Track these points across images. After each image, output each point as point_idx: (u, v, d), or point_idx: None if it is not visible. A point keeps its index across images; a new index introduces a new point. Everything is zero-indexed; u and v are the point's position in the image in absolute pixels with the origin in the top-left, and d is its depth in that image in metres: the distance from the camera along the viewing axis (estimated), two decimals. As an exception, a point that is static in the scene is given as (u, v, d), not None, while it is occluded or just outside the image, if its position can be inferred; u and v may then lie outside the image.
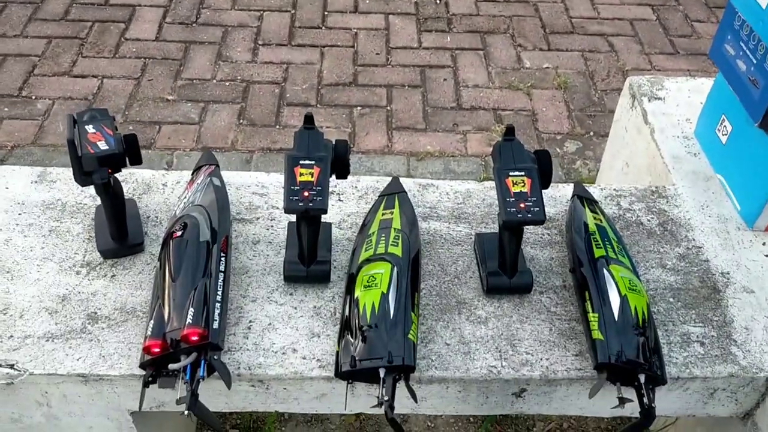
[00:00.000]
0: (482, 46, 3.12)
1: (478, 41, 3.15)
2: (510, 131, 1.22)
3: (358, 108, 2.76)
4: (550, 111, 2.80)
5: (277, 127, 2.66)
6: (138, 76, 2.82)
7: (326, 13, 3.27)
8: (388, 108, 2.77)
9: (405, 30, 3.19)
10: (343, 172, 1.22)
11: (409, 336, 1.10)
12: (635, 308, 1.13)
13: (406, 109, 2.77)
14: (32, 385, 1.14)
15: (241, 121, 2.67)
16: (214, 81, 2.84)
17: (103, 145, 1.17)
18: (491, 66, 3.01)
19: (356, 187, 1.47)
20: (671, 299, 1.29)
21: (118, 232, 1.27)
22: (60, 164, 2.41)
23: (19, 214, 1.36)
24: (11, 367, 1.13)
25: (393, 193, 1.38)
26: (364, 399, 1.19)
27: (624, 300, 1.14)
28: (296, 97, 2.79)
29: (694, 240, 1.40)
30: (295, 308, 1.23)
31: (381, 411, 1.05)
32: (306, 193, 1.13)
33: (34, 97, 2.70)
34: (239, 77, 2.86)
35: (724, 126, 1.50)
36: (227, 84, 2.83)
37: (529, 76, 2.97)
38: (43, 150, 2.49)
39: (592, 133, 2.72)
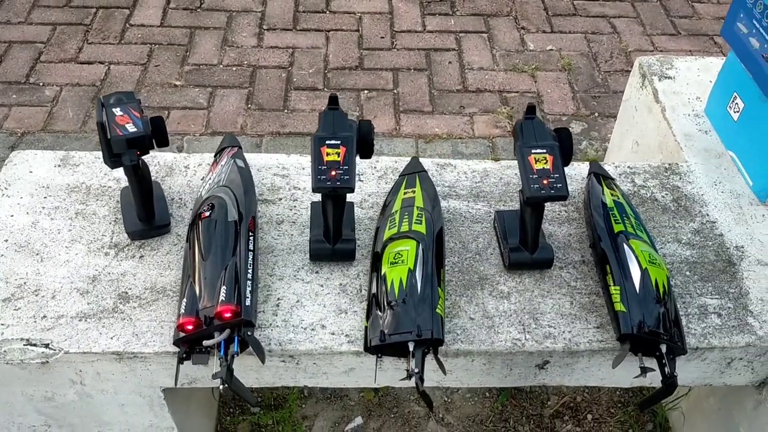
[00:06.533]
0: (486, 28, 3.14)
1: (481, 24, 3.16)
2: (531, 110, 1.24)
3: (365, 92, 2.78)
4: (555, 93, 2.82)
5: (285, 111, 2.67)
6: (144, 62, 2.83)
7: (329, -3, 3.27)
8: (395, 91, 2.79)
9: (409, 13, 3.20)
10: (367, 152, 1.24)
11: (437, 310, 1.12)
12: (656, 281, 1.16)
13: (412, 92, 2.79)
14: (67, 364, 1.17)
15: (249, 105, 2.68)
16: (221, 66, 2.84)
17: (131, 128, 1.18)
18: (495, 49, 3.03)
19: (375, 167, 1.49)
20: (687, 272, 1.32)
21: (146, 214, 1.29)
22: (73, 150, 2.42)
23: (45, 197, 1.38)
24: (46, 346, 1.15)
25: (413, 173, 1.40)
26: (391, 373, 1.22)
27: (645, 273, 1.17)
28: (303, 81, 2.80)
29: (707, 215, 1.43)
30: (322, 286, 1.26)
31: (410, 384, 1.08)
32: (333, 173, 1.15)
33: (42, 84, 2.71)
34: (245, 62, 2.87)
35: (736, 103, 1.52)
36: (234, 69, 2.83)
37: (533, 59, 2.98)
38: (53, 136, 2.50)
39: (596, 114, 2.74)
